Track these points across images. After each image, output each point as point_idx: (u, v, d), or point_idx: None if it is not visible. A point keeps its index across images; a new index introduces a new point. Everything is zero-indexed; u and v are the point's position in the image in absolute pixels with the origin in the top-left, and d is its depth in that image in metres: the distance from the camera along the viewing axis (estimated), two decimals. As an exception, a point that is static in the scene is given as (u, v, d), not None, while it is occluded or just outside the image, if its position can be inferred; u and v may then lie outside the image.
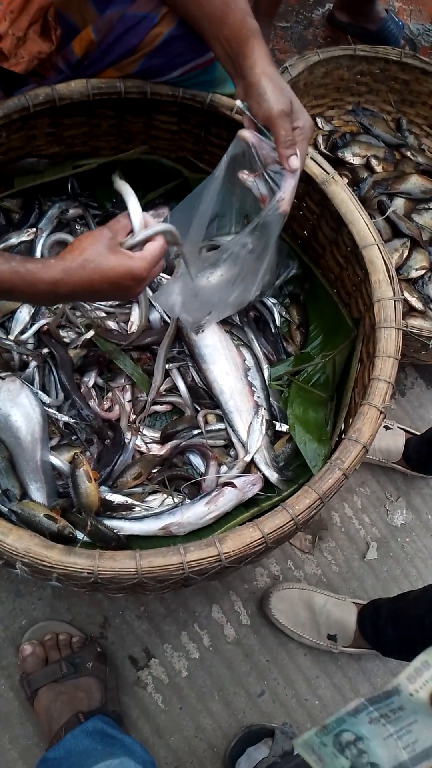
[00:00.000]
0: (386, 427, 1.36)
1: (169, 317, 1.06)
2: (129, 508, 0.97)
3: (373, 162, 1.56)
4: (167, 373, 1.08)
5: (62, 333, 1.05)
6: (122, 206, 1.04)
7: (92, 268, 0.65)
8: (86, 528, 0.88)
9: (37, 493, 0.93)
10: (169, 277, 1.07)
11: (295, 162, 0.75)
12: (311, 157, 0.96)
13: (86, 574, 0.69)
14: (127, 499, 0.97)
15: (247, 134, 0.77)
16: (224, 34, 0.78)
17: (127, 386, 1.08)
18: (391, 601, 1.10)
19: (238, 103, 0.78)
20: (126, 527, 0.94)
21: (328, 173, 0.95)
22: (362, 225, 0.93)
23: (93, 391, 1.04)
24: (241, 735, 1.12)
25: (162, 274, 1.07)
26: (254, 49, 0.75)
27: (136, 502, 0.97)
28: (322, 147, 1.60)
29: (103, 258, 0.66)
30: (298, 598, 1.20)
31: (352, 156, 1.58)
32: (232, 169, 0.81)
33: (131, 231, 0.70)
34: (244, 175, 0.79)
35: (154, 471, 1.02)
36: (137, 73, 0.93)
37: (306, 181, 0.98)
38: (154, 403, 1.08)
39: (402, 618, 1.03)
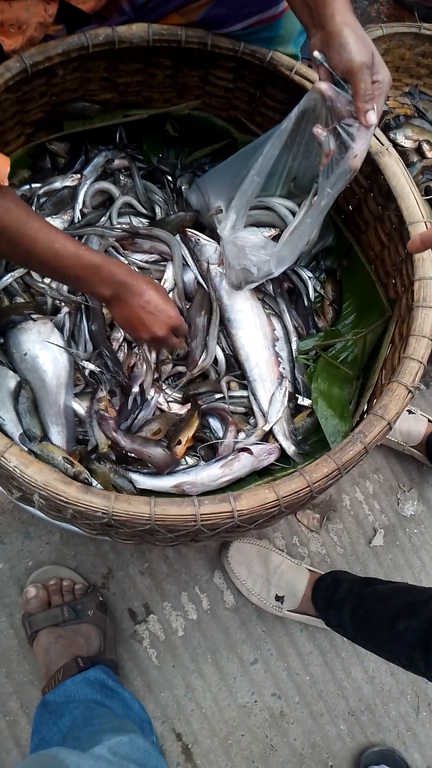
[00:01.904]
0: (410, 411, 1.35)
1: (206, 281, 1.05)
2: (144, 462, 0.97)
3: (425, 147, 1.52)
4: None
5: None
6: (167, 163, 1.05)
7: (155, 286, 0.88)
8: (103, 473, 0.89)
9: (57, 436, 0.94)
10: (203, 236, 1.05)
11: (372, 117, 0.73)
12: (368, 128, 0.93)
13: (101, 514, 0.69)
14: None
15: (323, 86, 0.75)
16: None
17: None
18: (357, 584, 1.09)
19: (316, 53, 0.76)
20: (140, 480, 0.94)
21: (383, 144, 0.93)
22: (412, 201, 0.91)
23: (123, 346, 1.04)
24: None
25: (198, 233, 1.06)
26: None
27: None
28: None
29: (159, 299, 0.87)
30: (256, 553, 1.20)
31: (404, 138, 1.54)
32: (298, 124, 0.79)
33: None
34: (318, 130, 0.77)
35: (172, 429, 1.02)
36: (200, 21, 0.91)
37: (358, 151, 0.96)
38: (176, 364, 1.07)
39: (366, 609, 1.02)
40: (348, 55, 0.71)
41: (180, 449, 0.97)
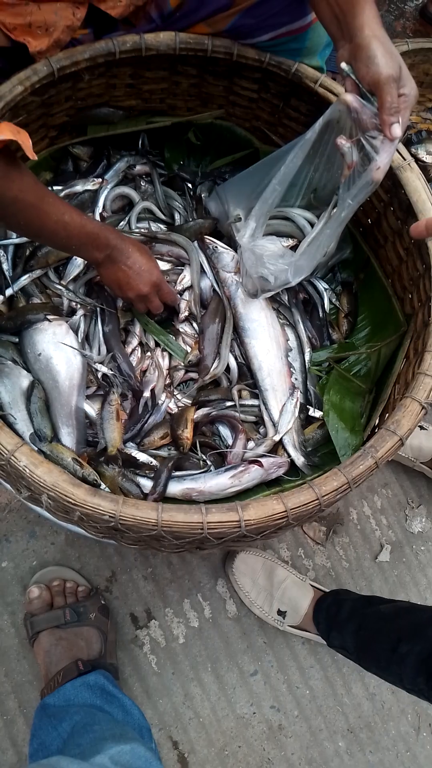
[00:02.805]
0: (421, 427, 1.34)
1: (221, 289, 1.05)
2: (153, 468, 0.97)
3: (447, 163, 1.51)
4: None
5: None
6: (188, 171, 1.06)
7: (140, 248, 0.93)
8: (111, 477, 0.89)
9: (68, 437, 0.94)
10: (221, 244, 1.06)
11: (397, 130, 0.73)
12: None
13: (108, 517, 0.69)
14: (152, 459, 0.97)
15: (349, 98, 0.75)
16: None
17: (167, 352, 1.08)
18: (359, 604, 1.08)
19: (343, 65, 0.76)
20: (148, 486, 0.94)
21: (405, 159, 0.92)
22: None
23: (137, 350, 1.04)
24: None
25: (216, 241, 1.06)
26: (365, 9, 0.73)
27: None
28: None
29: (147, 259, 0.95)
30: (261, 566, 1.19)
31: (425, 154, 1.54)
32: (322, 135, 0.79)
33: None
34: (342, 140, 0.77)
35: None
36: (228, 30, 0.91)
37: (379, 165, 0.96)
38: (188, 370, 1.07)
39: (368, 631, 1.01)
40: (375, 68, 0.72)
41: (188, 433, 0.97)
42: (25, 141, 0.71)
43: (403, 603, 1.05)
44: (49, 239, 0.87)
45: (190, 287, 1.05)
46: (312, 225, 1.05)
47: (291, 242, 1.03)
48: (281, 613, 1.17)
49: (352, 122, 0.76)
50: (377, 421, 1.00)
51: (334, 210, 0.92)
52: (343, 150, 0.78)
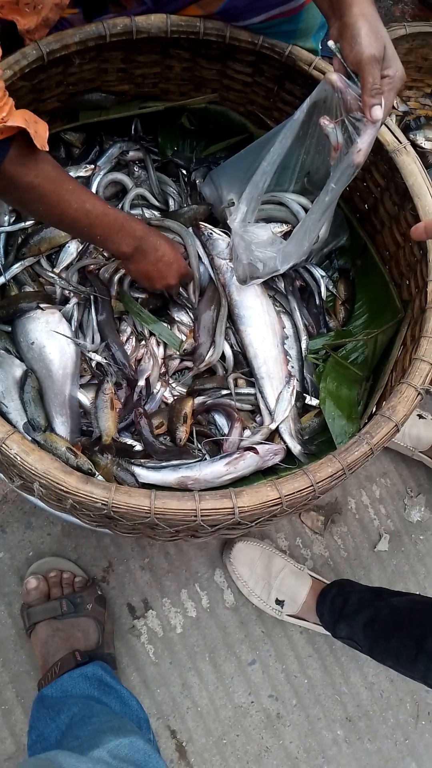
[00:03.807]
0: (420, 416, 1.33)
1: (216, 276, 1.04)
2: (148, 455, 0.97)
3: (445, 149, 1.50)
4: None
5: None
6: (182, 157, 1.05)
7: (166, 240, 0.93)
8: (106, 466, 0.88)
9: (62, 427, 0.93)
10: (216, 230, 1.04)
11: (377, 112, 0.71)
12: (384, 124, 0.92)
13: (100, 505, 0.69)
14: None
15: (334, 77, 0.73)
16: None
17: (161, 340, 1.07)
18: (367, 595, 1.07)
19: (331, 43, 0.74)
20: (143, 474, 0.94)
21: (401, 142, 0.91)
22: (429, 200, 0.89)
23: (131, 338, 1.03)
24: None
25: (210, 227, 1.05)
26: None
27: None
28: (394, 125, 1.55)
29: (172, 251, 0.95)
30: (259, 555, 1.19)
31: (424, 140, 1.52)
32: (310, 116, 0.78)
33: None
34: (325, 121, 0.76)
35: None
36: (220, 12, 0.90)
37: (375, 149, 0.94)
38: (184, 359, 1.06)
39: (383, 624, 1.00)
40: (358, 47, 0.70)
41: (186, 427, 0.96)
42: (40, 131, 0.71)
43: (416, 596, 1.05)
44: (71, 228, 0.86)
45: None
46: (306, 210, 1.03)
47: (284, 228, 1.02)
48: (279, 602, 1.17)
49: (338, 103, 0.75)
50: (374, 409, 0.99)
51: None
52: (326, 130, 0.77)
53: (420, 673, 0.92)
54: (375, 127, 0.74)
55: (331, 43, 0.74)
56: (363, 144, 0.75)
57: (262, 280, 1.00)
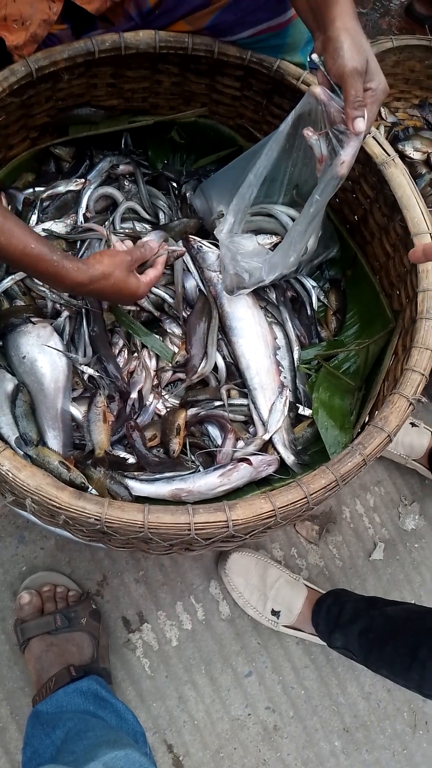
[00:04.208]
0: (413, 424, 1.33)
1: (207, 288, 1.05)
2: (141, 468, 0.97)
3: (434, 159, 1.51)
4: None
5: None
6: (172, 170, 1.05)
7: (112, 283, 0.84)
8: (99, 479, 0.88)
9: (54, 440, 0.93)
10: (206, 242, 1.05)
11: (360, 124, 0.72)
12: (373, 137, 0.93)
13: (93, 520, 0.68)
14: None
15: (317, 90, 0.74)
16: None
17: (154, 352, 1.07)
18: (362, 604, 1.07)
19: (315, 57, 0.75)
20: (136, 487, 0.93)
21: (389, 155, 0.92)
22: (417, 212, 0.90)
23: (123, 351, 1.03)
24: None
25: (200, 240, 1.05)
26: (339, 1, 0.72)
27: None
28: (382, 138, 1.56)
29: (121, 276, 0.85)
30: (254, 565, 1.19)
31: (412, 150, 1.53)
32: (295, 128, 0.78)
33: (143, 263, 0.93)
34: (309, 132, 0.77)
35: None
36: (208, 27, 0.91)
37: (364, 161, 0.95)
38: (176, 371, 1.06)
39: (378, 634, 1.00)
40: (341, 60, 0.71)
41: (179, 439, 0.96)
42: None
43: (410, 605, 1.05)
44: (9, 262, 0.82)
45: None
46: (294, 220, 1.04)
47: (274, 239, 1.02)
48: (275, 613, 1.17)
49: (323, 115, 0.76)
50: (367, 419, 0.99)
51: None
52: (310, 142, 0.77)
53: (414, 682, 0.92)
54: (358, 139, 0.75)
55: (315, 56, 0.75)
56: (346, 156, 0.76)
57: (249, 290, 1.01)
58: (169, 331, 1.05)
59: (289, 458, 1.00)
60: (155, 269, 0.93)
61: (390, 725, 1.22)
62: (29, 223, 1.04)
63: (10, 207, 1.04)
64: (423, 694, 0.92)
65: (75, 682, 1.00)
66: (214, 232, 0.98)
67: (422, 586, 1.33)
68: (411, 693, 1.12)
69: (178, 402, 1.03)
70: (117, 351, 1.03)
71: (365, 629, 1.02)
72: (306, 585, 1.20)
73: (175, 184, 1.12)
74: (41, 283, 1.01)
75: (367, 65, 0.71)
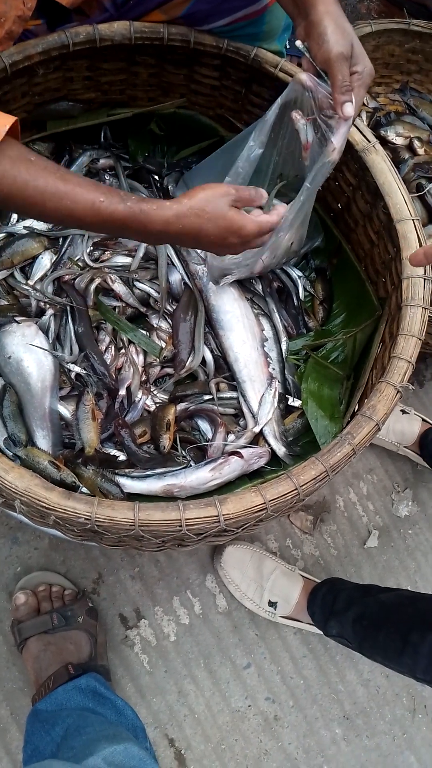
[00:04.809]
0: (403, 411, 1.34)
1: (192, 282, 1.04)
2: (132, 465, 0.96)
3: (416, 144, 1.50)
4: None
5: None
6: (153, 162, 1.03)
7: (207, 218, 0.69)
8: (90, 478, 0.88)
9: (43, 440, 0.92)
10: None
11: (349, 109, 0.71)
12: (354, 124, 0.92)
13: (83, 520, 0.68)
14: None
15: (303, 77, 0.73)
16: None
17: (141, 348, 1.06)
18: (356, 592, 1.08)
19: (298, 43, 0.74)
20: (128, 484, 0.93)
21: (369, 141, 0.92)
22: (399, 198, 0.90)
23: (110, 347, 1.03)
24: None
25: None
26: None
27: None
28: (364, 123, 1.55)
29: (221, 209, 0.70)
30: (250, 557, 1.19)
31: (395, 135, 1.52)
32: (280, 118, 0.78)
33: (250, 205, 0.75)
34: (297, 115, 0.76)
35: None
36: (184, 16, 0.89)
37: (345, 148, 0.94)
38: (164, 366, 1.06)
39: (371, 620, 1.01)
40: (326, 45, 0.70)
41: (169, 435, 0.95)
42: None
43: (403, 591, 1.05)
44: (73, 225, 0.71)
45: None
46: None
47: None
48: (272, 604, 1.17)
49: (309, 102, 0.75)
50: (356, 407, 0.99)
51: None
52: (297, 125, 0.77)
53: (407, 666, 0.93)
54: (347, 123, 0.74)
55: (298, 42, 0.75)
56: (337, 142, 0.75)
57: (234, 278, 1.00)
58: (155, 326, 1.05)
59: (280, 450, 1.00)
60: (271, 218, 0.76)
61: (389, 711, 1.23)
62: (10, 221, 1.03)
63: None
64: (416, 678, 0.93)
65: (73, 680, 1.00)
66: None
67: (417, 572, 1.33)
68: (409, 678, 1.13)
69: (167, 397, 1.03)
70: (104, 348, 1.02)
71: (359, 616, 1.02)
72: (302, 575, 1.20)
73: (156, 177, 1.11)
74: (24, 282, 1.00)
75: (352, 49, 0.71)
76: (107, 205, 0.66)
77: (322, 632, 1.13)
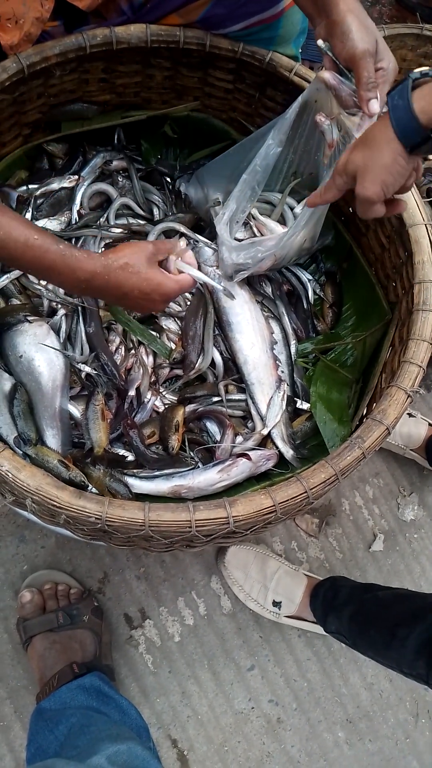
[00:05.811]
0: (410, 414, 1.34)
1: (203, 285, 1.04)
2: (141, 465, 0.97)
3: (427, 149, 1.51)
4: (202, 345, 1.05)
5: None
6: (166, 165, 1.04)
7: (131, 272, 0.71)
8: (98, 477, 0.88)
9: (53, 439, 0.93)
10: (201, 238, 1.04)
11: (375, 105, 0.71)
12: (366, 127, 0.93)
13: (94, 519, 0.68)
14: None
15: (326, 75, 0.73)
16: None
17: (151, 349, 1.07)
18: (356, 590, 1.08)
19: (320, 42, 0.74)
20: (136, 485, 0.93)
21: (383, 146, 0.91)
22: (412, 202, 0.90)
23: (120, 348, 1.03)
24: None
25: (197, 235, 1.05)
26: None
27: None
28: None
29: (143, 267, 0.72)
30: (254, 558, 1.19)
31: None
32: (300, 116, 0.78)
33: (167, 258, 0.77)
34: (321, 117, 0.76)
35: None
36: (200, 21, 0.90)
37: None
38: (174, 367, 1.06)
39: (365, 615, 1.01)
40: (351, 43, 0.70)
41: (178, 436, 0.96)
42: None
43: (402, 590, 1.05)
44: (9, 260, 0.70)
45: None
46: (292, 209, 1.04)
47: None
48: (276, 604, 1.17)
49: (331, 101, 0.75)
50: (365, 411, 0.99)
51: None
52: (322, 127, 0.77)
53: (394, 660, 0.92)
54: (372, 120, 0.74)
55: (320, 42, 0.75)
56: None
57: (247, 273, 1.00)
58: (165, 327, 1.05)
59: (288, 452, 1.00)
60: (188, 277, 0.78)
61: (393, 715, 1.23)
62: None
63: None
64: (402, 672, 0.93)
65: (78, 678, 1.01)
66: (215, 221, 0.97)
67: (422, 576, 1.33)
68: (413, 682, 1.13)
69: (176, 398, 1.03)
70: (114, 348, 1.02)
71: (355, 612, 1.02)
72: (305, 574, 1.20)
73: (169, 179, 1.12)
74: (36, 281, 1.01)
75: (377, 45, 0.71)
76: (40, 243, 0.67)
77: (323, 629, 1.13)
